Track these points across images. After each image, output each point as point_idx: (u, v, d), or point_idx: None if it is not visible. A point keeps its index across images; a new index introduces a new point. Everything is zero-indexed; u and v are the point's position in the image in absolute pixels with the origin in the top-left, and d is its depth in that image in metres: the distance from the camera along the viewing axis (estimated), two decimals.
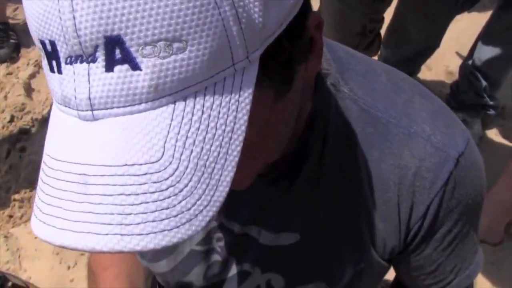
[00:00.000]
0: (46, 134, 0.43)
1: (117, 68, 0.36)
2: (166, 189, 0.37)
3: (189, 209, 0.37)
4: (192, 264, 0.73)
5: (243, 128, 0.39)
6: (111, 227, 0.35)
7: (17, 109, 2.37)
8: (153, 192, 0.36)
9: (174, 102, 0.37)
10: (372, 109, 0.63)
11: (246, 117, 0.39)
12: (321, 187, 0.64)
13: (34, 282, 1.76)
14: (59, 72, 0.38)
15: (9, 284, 1.07)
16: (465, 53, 2.07)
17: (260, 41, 0.39)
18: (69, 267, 1.79)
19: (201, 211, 0.37)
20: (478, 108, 2.03)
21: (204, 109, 0.38)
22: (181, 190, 0.37)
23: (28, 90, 2.48)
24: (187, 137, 0.37)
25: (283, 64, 0.44)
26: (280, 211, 0.66)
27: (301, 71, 0.48)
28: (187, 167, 0.37)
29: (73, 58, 0.36)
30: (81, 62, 0.36)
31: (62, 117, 0.40)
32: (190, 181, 0.37)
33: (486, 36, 1.88)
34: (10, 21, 2.79)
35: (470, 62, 1.95)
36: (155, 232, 0.36)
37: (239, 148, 0.39)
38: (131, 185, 0.36)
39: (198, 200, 0.37)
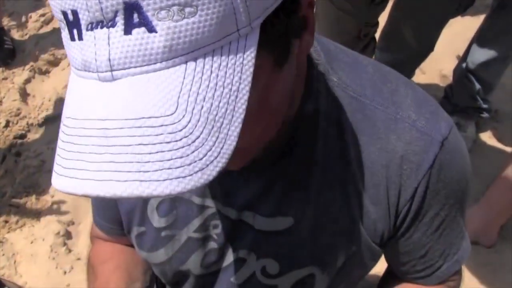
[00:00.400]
0: (65, 100, 0.47)
1: (135, 31, 0.40)
2: (180, 139, 0.40)
3: (201, 159, 0.40)
4: (189, 251, 0.75)
5: (247, 88, 0.43)
6: (130, 174, 0.39)
7: (12, 114, 2.37)
8: (169, 142, 0.40)
9: (186, 62, 0.41)
10: (360, 96, 0.66)
11: (249, 79, 0.43)
12: (313, 170, 0.67)
13: (30, 287, 1.76)
14: (80, 39, 0.41)
15: None
16: (459, 56, 2.09)
17: (261, 10, 0.43)
18: (65, 272, 1.79)
19: (212, 161, 0.41)
20: (472, 111, 2.04)
21: (213, 69, 0.42)
22: (193, 141, 0.40)
23: (24, 95, 2.48)
24: (198, 93, 0.41)
25: (280, 35, 0.48)
26: (273, 196, 0.69)
27: (296, 46, 0.52)
28: (198, 120, 0.41)
29: (94, 24, 0.40)
30: (102, 27, 0.40)
31: (82, 82, 0.44)
32: (201, 133, 0.41)
33: (479, 39, 1.90)
34: (5, 27, 2.79)
35: (463, 65, 1.96)
36: (170, 179, 0.39)
37: (244, 106, 0.43)
38: (148, 135, 0.40)
39: (209, 151, 0.41)
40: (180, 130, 0.40)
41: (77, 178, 0.41)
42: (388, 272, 0.89)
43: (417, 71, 2.20)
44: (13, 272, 1.80)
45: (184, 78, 0.41)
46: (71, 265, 1.81)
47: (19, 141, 2.28)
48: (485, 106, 2.01)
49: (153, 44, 0.40)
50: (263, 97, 0.49)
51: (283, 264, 0.73)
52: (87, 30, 0.41)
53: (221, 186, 0.70)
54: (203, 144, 0.41)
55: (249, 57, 0.43)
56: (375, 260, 0.77)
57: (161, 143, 0.40)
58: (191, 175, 0.40)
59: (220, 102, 0.42)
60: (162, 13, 0.39)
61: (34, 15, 2.97)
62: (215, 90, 0.42)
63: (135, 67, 0.41)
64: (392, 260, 0.80)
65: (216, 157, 0.41)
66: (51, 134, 2.29)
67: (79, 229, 1.92)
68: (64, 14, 0.42)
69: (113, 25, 0.40)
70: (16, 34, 2.86)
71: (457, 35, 2.32)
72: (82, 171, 0.41)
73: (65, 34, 0.43)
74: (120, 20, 0.39)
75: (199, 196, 0.72)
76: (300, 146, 0.66)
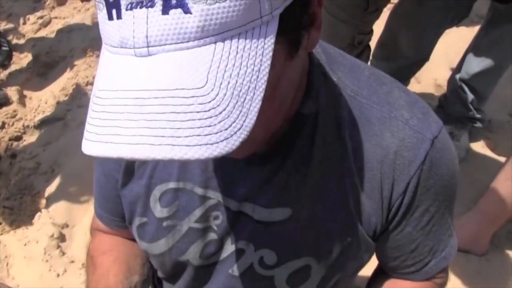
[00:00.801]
0: (96, 74, 0.51)
1: (172, 11, 0.44)
2: (209, 110, 0.45)
3: (226, 129, 0.45)
4: (190, 242, 0.78)
5: (267, 70, 0.48)
6: (164, 138, 0.44)
7: (8, 116, 2.37)
8: (199, 112, 0.44)
9: (215, 43, 0.46)
10: (357, 95, 0.71)
11: (269, 62, 0.48)
12: (312, 162, 0.71)
13: None
14: (119, 17, 0.46)
15: None
16: (453, 66, 2.10)
17: (281, 1, 0.49)
18: (58, 275, 1.78)
19: (236, 132, 0.45)
20: (465, 120, 2.06)
21: (238, 50, 0.47)
22: (220, 113, 0.45)
23: (20, 97, 2.49)
24: (225, 71, 0.46)
25: (294, 26, 0.53)
26: (273, 187, 0.72)
27: (305, 40, 0.56)
28: (225, 94, 0.45)
29: (133, 5, 0.45)
30: (141, 7, 0.45)
31: (116, 59, 0.48)
32: (227, 106, 0.45)
33: (474, 50, 1.92)
34: (2, 29, 2.80)
35: (458, 75, 1.98)
36: (199, 145, 0.44)
37: (264, 86, 0.47)
38: (181, 105, 0.44)
39: (233, 122, 0.45)
40: (209, 102, 0.45)
41: (112, 142, 0.45)
42: (377, 270, 0.92)
43: (412, 80, 2.22)
44: (6, 274, 1.80)
45: (213, 56, 0.46)
46: (64, 268, 1.80)
47: (15, 143, 2.28)
48: (478, 116, 2.03)
49: (188, 24, 0.44)
50: (275, 84, 0.54)
51: (280, 255, 0.75)
52: (126, 10, 0.45)
53: (223, 178, 0.73)
54: (228, 116, 0.45)
55: (269, 42, 0.48)
56: (369, 254, 0.79)
57: (192, 112, 0.44)
58: (217, 142, 0.44)
59: (244, 80, 0.46)
60: None
61: (32, 17, 2.98)
62: (240, 69, 0.46)
63: (170, 44, 0.45)
64: (382, 255, 0.83)
65: (239, 129, 0.45)
66: (47, 136, 2.30)
67: (73, 232, 1.92)
68: None
69: (152, 5, 0.44)
70: (13, 36, 2.86)
71: (452, 45, 2.35)
72: (117, 136, 0.45)
73: (102, 14, 0.48)
74: (159, 1, 0.44)
75: (202, 187, 0.74)
76: (300, 140, 0.70)
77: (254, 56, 0.47)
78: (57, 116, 2.37)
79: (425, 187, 0.72)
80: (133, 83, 0.46)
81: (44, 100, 2.45)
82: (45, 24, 2.95)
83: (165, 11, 0.44)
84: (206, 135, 0.44)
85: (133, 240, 0.86)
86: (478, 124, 2.06)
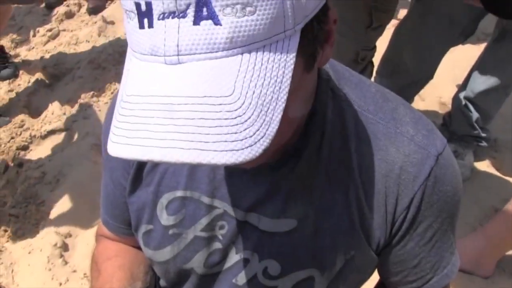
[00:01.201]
0: (121, 81, 0.53)
1: (203, 22, 0.46)
2: (235, 118, 0.47)
3: (251, 136, 0.47)
4: (195, 250, 0.78)
5: (288, 82, 0.50)
6: (193, 143, 0.46)
7: (16, 125, 2.39)
8: (226, 119, 0.47)
9: (242, 54, 0.48)
10: (364, 111, 0.72)
11: (290, 74, 0.50)
12: (318, 174, 0.72)
13: None
14: (150, 26, 0.48)
15: None
16: (458, 84, 2.10)
17: (303, 17, 0.50)
18: (60, 284, 1.78)
19: (259, 140, 0.47)
20: (470, 139, 2.04)
21: (263, 62, 0.49)
22: (245, 120, 0.47)
23: (28, 107, 2.51)
24: (250, 81, 0.48)
25: (311, 42, 0.55)
26: (279, 198, 0.73)
27: (319, 55, 0.58)
28: (250, 103, 0.48)
29: (166, 15, 0.47)
30: (173, 17, 0.47)
31: (145, 66, 0.50)
32: (252, 114, 0.47)
33: (479, 68, 1.91)
34: (14, 41, 2.83)
35: (463, 93, 1.97)
36: (226, 150, 0.46)
37: (285, 97, 0.49)
38: (209, 112, 0.47)
39: (257, 130, 0.47)
40: (235, 110, 0.47)
41: (142, 145, 0.47)
42: (378, 286, 0.91)
43: (416, 97, 2.20)
44: (11, 281, 1.80)
45: (240, 66, 0.48)
46: (66, 277, 1.80)
47: (22, 152, 2.30)
48: (483, 135, 2.02)
49: (217, 35, 0.47)
50: (291, 98, 0.54)
51: (284, 265, 0.76)
52: (158, 19, 0.47)
53: (230, 188, 0.74)
54: (253, 124, 0.47)
55: (291, 55, 0.50)
56: (372, 268, 0.79)
57: (219, 118, 0.47)
58: (242, 149, 0.46)
59: (267, 90, 0.49)
60: (227, 9, 0.46)
61: (41, 30, 3.02)
62: (264, 79, 0.49)
63: (200, 53, 0.47)
64: (384, 270, 0.82)
65: (262, 137, 0.47)
66: (52, 146, 2.32)
67: (76, 242, 1.93)
68: (137, 5, 0.48)
69: (184, 16, 0.46)
70: (23, 48, 2.90)
71: (457, 63, 2.35)
72: (147, 139, 0.47)
73: (133, 23, 0.50)
74: (191, 12, 0.46)
75: (209, 196, 0.75)
76: (307, 152, 0.71)
77: (277, 68, 0.49)
78: (63, 127, 2.39)
79: (429, 203, 0.72)
80: (163, 89, 0.48)
81: (51, 111, 2.47)
82: (54, 37, 3.00)
83: (196, 22, 0.46)
84: (232, 141, 0.46)
85: (138, 248, 0.87)
86: (483, 143, 2.05)
